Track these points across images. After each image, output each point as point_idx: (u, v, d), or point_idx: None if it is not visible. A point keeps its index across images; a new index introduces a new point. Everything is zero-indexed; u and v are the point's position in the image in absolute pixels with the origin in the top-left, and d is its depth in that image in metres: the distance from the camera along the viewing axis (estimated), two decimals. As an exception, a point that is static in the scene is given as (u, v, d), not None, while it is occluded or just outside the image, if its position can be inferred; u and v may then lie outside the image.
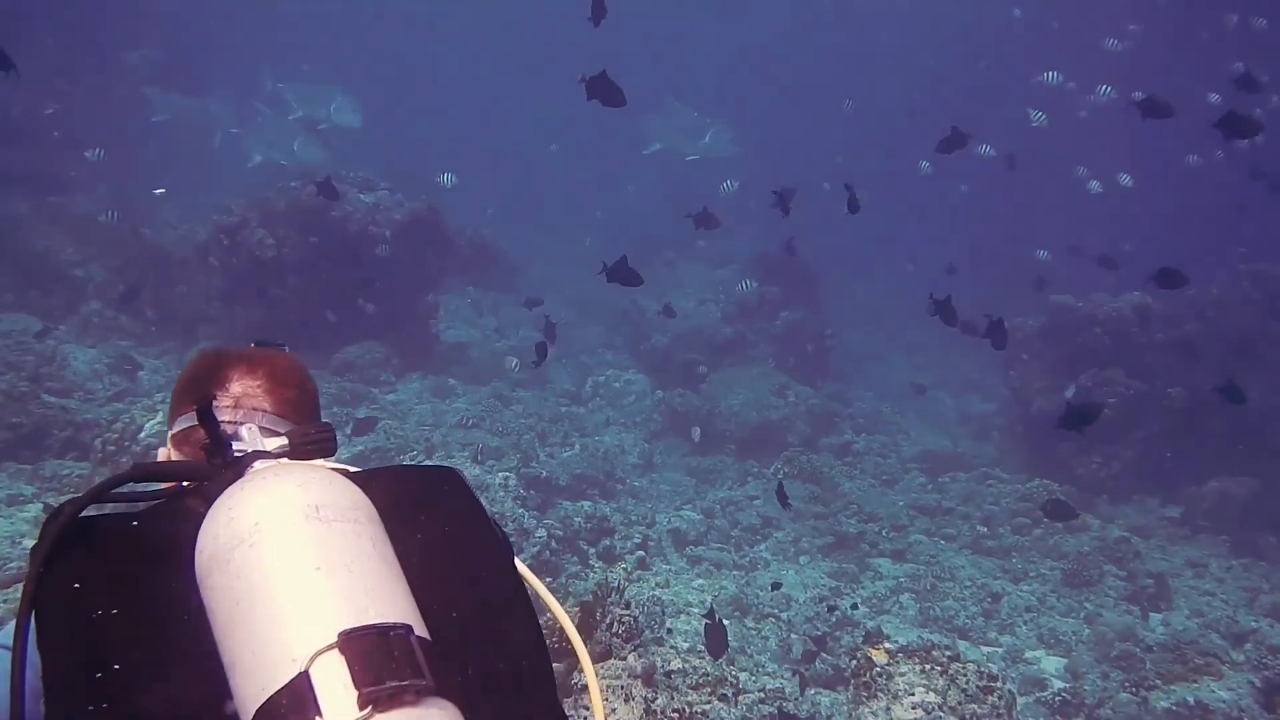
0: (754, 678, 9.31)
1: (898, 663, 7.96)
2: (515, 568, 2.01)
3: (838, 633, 11.15)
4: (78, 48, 25.12)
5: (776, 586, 12.27)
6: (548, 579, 11.08)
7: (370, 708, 1.42)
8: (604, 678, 7.23)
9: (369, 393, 16.48)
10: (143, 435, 11.30)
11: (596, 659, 7.61)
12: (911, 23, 45.10)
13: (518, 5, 51.30)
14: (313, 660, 1.45)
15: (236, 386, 2.11)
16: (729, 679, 7.83)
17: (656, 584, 11.88)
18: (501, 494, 11.72)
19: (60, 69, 23.78)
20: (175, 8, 31.63)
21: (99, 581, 1.65)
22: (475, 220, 24.49)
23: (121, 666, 1.57)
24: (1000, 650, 11.79)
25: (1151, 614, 12.87)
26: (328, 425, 2.03)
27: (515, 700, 1.83)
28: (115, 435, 11.43)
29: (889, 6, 45.59)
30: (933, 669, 7.85)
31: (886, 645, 8.33)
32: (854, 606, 11.70)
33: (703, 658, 8.15)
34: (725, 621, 11.01)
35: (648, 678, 7.24)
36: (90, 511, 1.71)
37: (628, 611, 7.90)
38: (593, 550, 12.37)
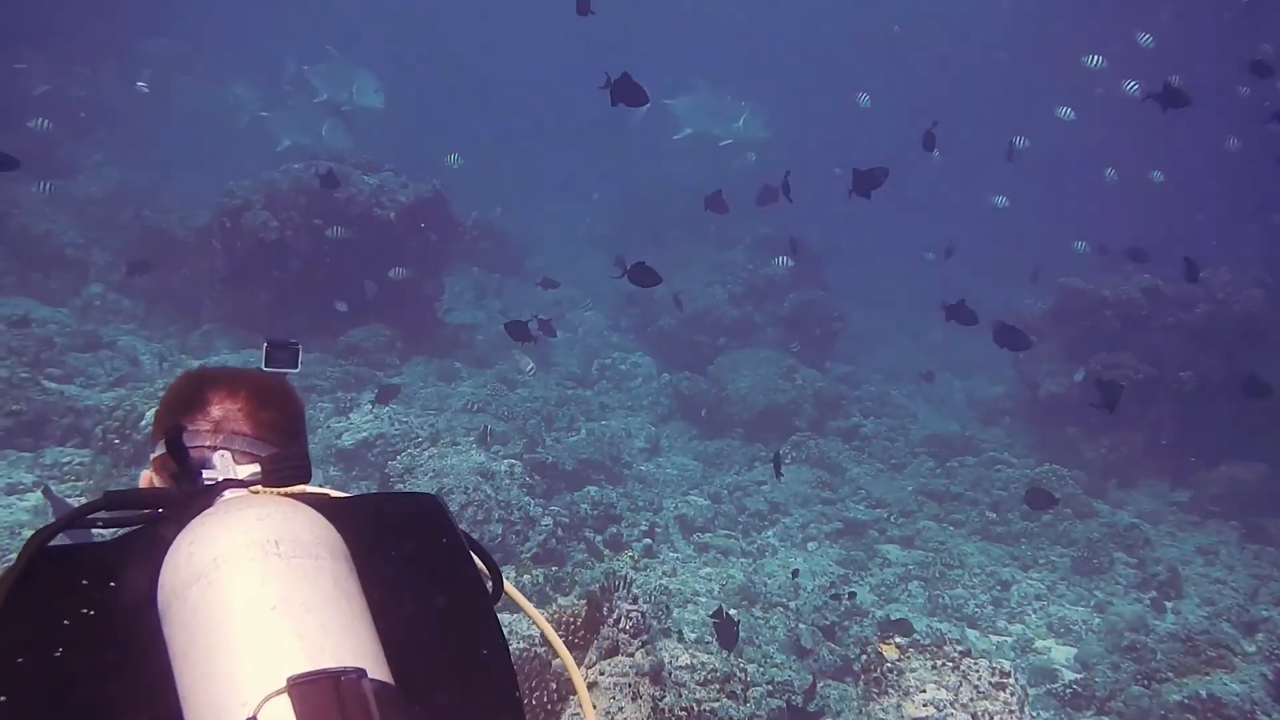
0: (762, 669, 9.24)
1: (909, 658, 7.86)
2: (490, 604, 1.98)
3: (846, 622, 11.06)
4: (99, 33, 25.02)
5: (796, 574, 12.19)
6: (553, 567, 11.00)
7: None
8: (611, 675, 7.13)
9: (373, 376, 16.37)
10: (144, 423, 11.18)
11: (604, 655, 7.51)
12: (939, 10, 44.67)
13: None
14: (261, 705, 1.43)
15: (216, 409, 2.06)
16: (738, 674, 7.73)
17: (664, 573, 11.83)
18: (507, 481, 11.61)
19: (81, 55, 23.65)
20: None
21: (61, 615, 1.63)
22: (483, 203, 24.35)
23: (79, 703, 1.57)
24: (1010, 640, 11.70)
25: (1161, 602, 12.75)
26: (302, 451, 2.04)
27: None
28: (116, 423, 11.32)
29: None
30: (944, 665, 7.75)
31: (897, 640, 8.22)
32: (850, 595, 11.60)
33: (711, 653, 8.06)
34: (733, 611, 10.97)
35: (655, 676, 7.14)
36: (64, 538, 1.72)
37: (635, 607, 7.78)
38: (599, 538, 12.28)
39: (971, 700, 7.46)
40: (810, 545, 13.83)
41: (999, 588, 12.85)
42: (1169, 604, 12.76)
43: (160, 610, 1.61)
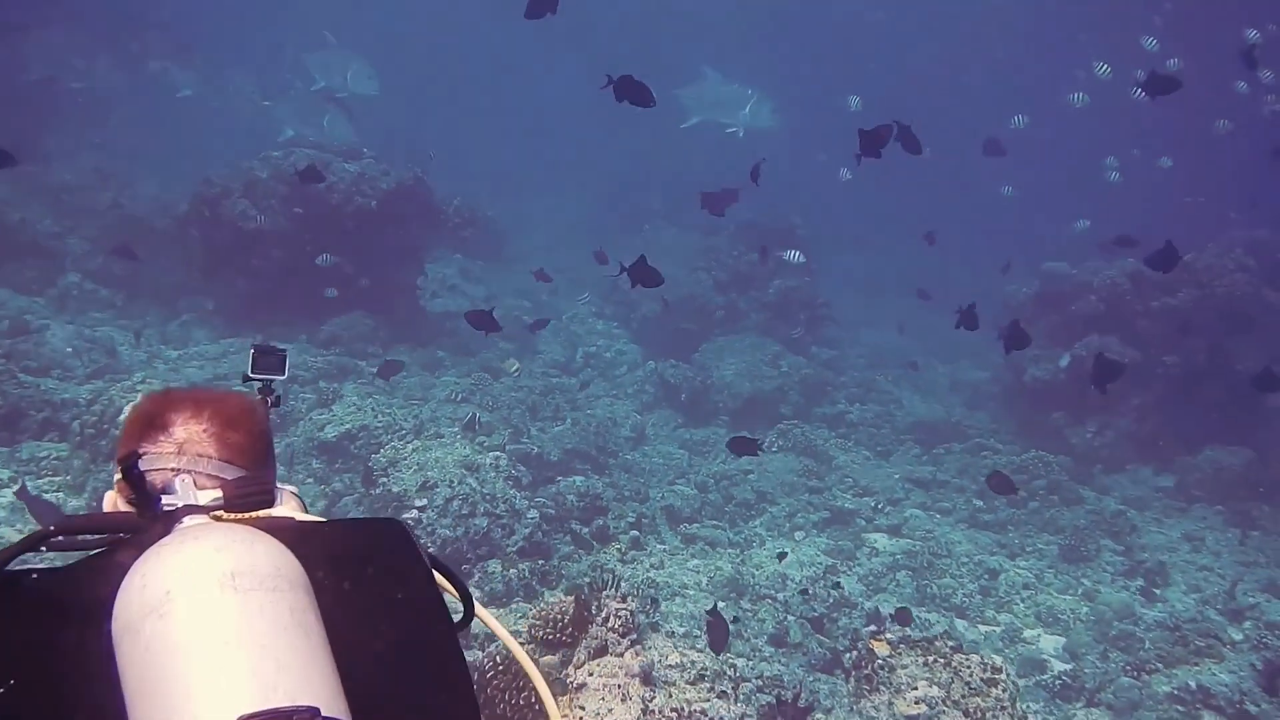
0: (751, 663, 9.17)
1: (900, 655, 7.79)
2: (454, 635, 1.93)
3: (835, 614, 10.99)
4: (94, 24, 24.76)
5: (782, 557, 12.13)
6: (540, 561, 10.90)
7: None
8: (600, 676, 7.03)
9: (356, 366, 16.21)
10: (122, 418, 11.00)
11: (593, 655, 7.42)
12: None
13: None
14: None
15: (180, 431, 2.01)
16: (727, 672, 7.65)
17: (651, 565, 11.76)
18: (492, 474, 11.49)
19: (77, 47, 23.38)
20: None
21: (11, 647, 1.62)
22: (466, 189, 24.17)
23: None
24: (998, 630, 11.65)
25: (1150, 590, 12.74)
26: (265, 477, 2.01)
27: None
28: (94, 418, 11.18)
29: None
30: (935, 661, 7.69)
31: (888, 637, 8.15)
32: (836, 585, 11.54)
33: (700, 650, 7.98)
34: (723, 604, 10.89)
35: (645, 676, 7.05)
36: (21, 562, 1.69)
37: (624, 605, 7.69)
38: (586, 530, 12.16)
39: (964, 697, 7.40)
40: (798, 535, 13.76)
41: (987, 577, 12.81)
42: (1157, 591, 12.73)
43: (114, 642, 1.57)
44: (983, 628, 11.71)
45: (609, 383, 19.15)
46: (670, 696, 6.97)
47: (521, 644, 7.90)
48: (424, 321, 19.00)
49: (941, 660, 7.67)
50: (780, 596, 11.21)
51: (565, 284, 23.13)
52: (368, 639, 1.77)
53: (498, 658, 7.56)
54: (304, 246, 16.85)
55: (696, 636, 9.96)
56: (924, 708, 7.36)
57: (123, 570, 1.64)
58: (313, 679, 1.54)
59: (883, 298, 27.72)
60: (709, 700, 7.09)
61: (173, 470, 1.95)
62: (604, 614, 7.63)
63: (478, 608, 2.24)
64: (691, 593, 11.15)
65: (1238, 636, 11.21)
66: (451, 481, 10.99)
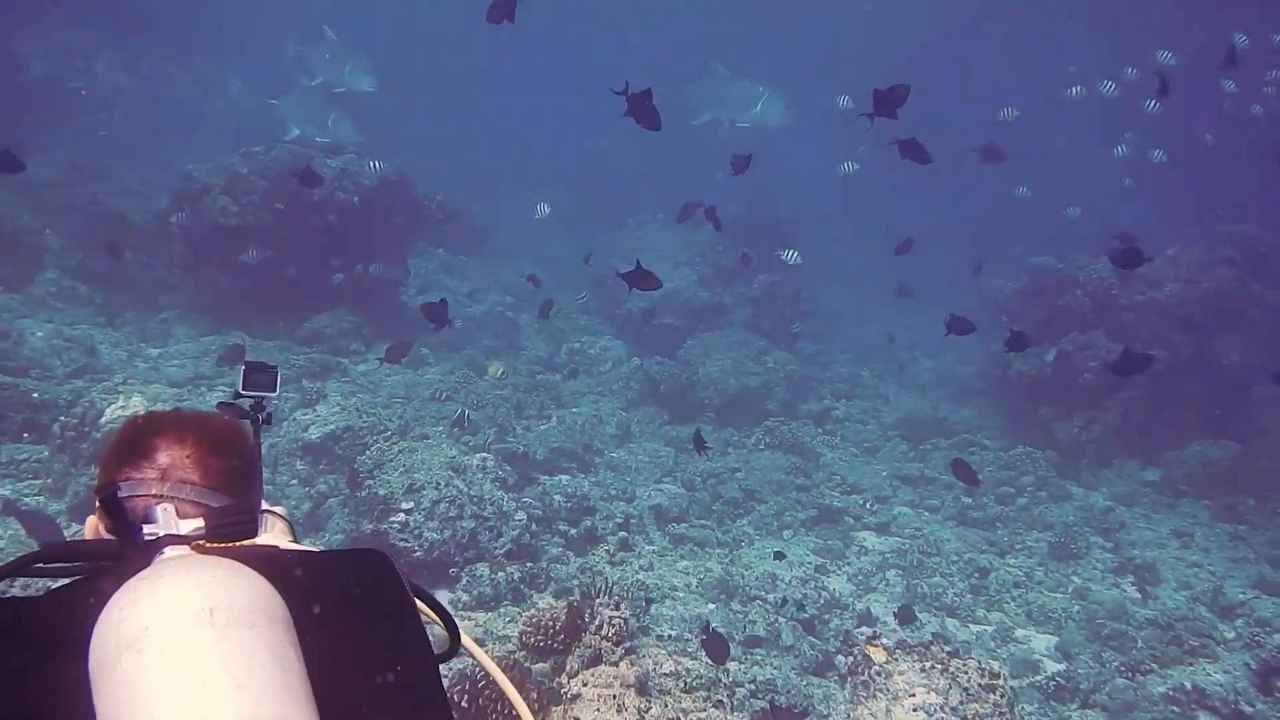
0: (744, 668, 9.07)
1: (896, 660, 7.70)
2: (435, 668, 1.93)
3: (826, 615, 10.91)
4: (94, 23, 24.54)
5: (779, 557, 12.05)
6: (528, 563, 10.77)
7: None
8: (594, 686, 6.92)
9: (338, 364, 16.07)
10: (103, 420, 10.86)
11: (586, 664, 7.30)
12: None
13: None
14: None
15: (164, 457, 1.98)
16: (722, 680, 7.55)
17: (640, 567, 11.67)
18: (479, 476, 11.35)
19: (76, 45, 23.15)
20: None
21: None
22: (449, 183, 24.03)
23: None
24: (990, 629, 11.58)
25: (1141, 588, 12.69)
26: (248, 505, 1.98)
27: None
28: (75, 420, 10.98)
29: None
30: (933, 667, 7.60)
31: (884, 642, 8.06)
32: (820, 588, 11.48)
33: (695, 657, 7.87)
34: (712, 605, 10.80)
35: (640, 686, 6.94)
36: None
37: (617, 613, 7.58)
38: (574, 531, 12.04)
39: (961, 703, 7.32)
40: (786, 534, 13.67)
41: (977, 575, 12.74)
42: (1148, 589, 12.68)
43: (91, 675, 1.54)
44: (974, 627, 11.64)
45: (594, 379, 19.02)
46: (666, 707, 6.87)
47: (512, 650, 7.82)
48: (407, 317, 18.83)
49: (939, 666, 7.59)
50: (770, 597, 11.12)
51: (550, 279, 22.99)
52: (348, 675, 1.74)
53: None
54: (286, 242, 16.67)
55: (688, 640, 9.86)
56: (922, 715, 7.27)
57: (103, 599, 1.61)
58: (289, 717, 1.51)
59: (869, 291, 27.67)
60: (705, 710, 6.99)
61: (155, 497, 1.91)
62: (597, 621, 7.53)
63: (464, 638, 2.24)
64: (681, 595, 11.06)
65: (1230, 634, 11.17)
66: (438, 483, 10.85)
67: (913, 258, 16.72)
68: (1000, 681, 7.56)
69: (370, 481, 11.04)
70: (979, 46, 42.13)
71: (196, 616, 1.54)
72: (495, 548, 10.78)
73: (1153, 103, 13.06)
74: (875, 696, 7.55)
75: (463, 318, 20.31)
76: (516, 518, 11.16)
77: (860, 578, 12.49)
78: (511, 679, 7.40)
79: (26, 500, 10.44)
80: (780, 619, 10.56)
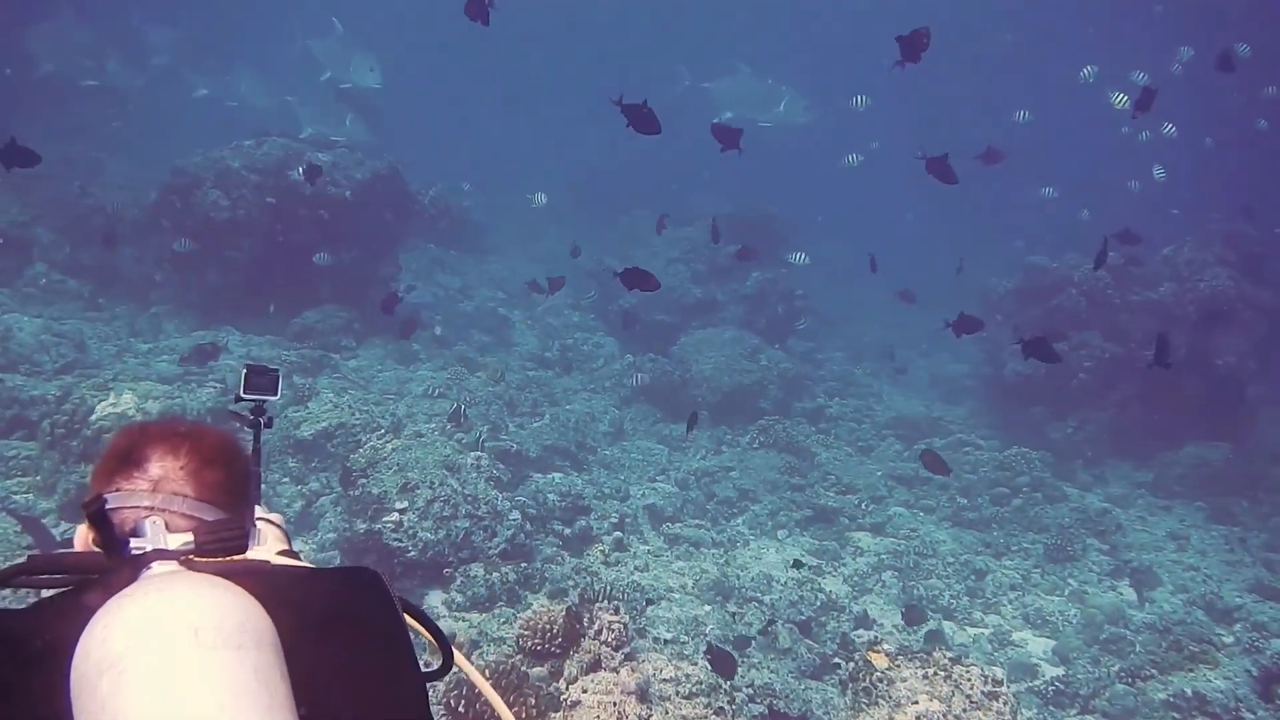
0: (741, 671, 8.98)
1: (899, 667, 7.61)
2: (425, 694, 1.85)
3: (822, 618, 10.83)
4: (106, 22, 24.48)
5: (799, 565, 11.97)
6: (522, 564, 10.66)
7: None
8: (594, 693, 6.82)
9: (330, 359, 15.91)
10: (94, 418, 10.70)
11: (585, 670, 7.20)
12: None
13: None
14: None
15: (156, 468, 1.93)
16: (722, 686, 7.45)
17: (635, 567, 11.58)
18: (474, 475, 11.22)
19: (88, 45, 23.02)
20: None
21: None
22: (442, 178, 23.92)
23: None
24: (986, 632, 11.51)
25: (1137, 591, 12.63)
26: (240, 519, 1.93)
27: None
28: (65, 417, 10.81)
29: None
30: (936, 674, 7.51)
31: (885, 647, 7.97)
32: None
33: (694, 662, 7.77)
34: (708, 607, 10.72)
35: (641, 693, 6.83)
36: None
37: (616, 618, 7.47)
38: (568, 530, 11.93)
39: (965, 711, 7.22)
40: (780, 534, 13.59)
41: (973, 577, 12.67)
42: (1145, 592, 12.62)
43: (73, 694, 1.49)
44: (971, 630, 11.57)
45: (586, 376, 18.92)
46: (667, 714, 6.76)
47: (509, 654, 7.71)
48: (399, 313, 18.70)
49: (941, 673, 7.50)
50: (766, 599, 11.04)
51: (543, 275, 22.90)
52: (336, 697, 1.69)
53: (486, 673, 7.34)
54: (276, 237, 16.53)
55: (685, 643, 9.78)
56: (925, 723, 7.18)
57: (88, 613, 1.57)
58: None
59: (862, 288, 27.62)
60: (707, 718, 6.89)
61: (146, 509, 1.86)
62: (596, 626, 7.42)
63: (457, 656, 2.22)
64: (677, 596, 10.97)
65: (1229, 639, 11.12)
66: (433, 482, 10.72)
67: (908, 255, 16.69)
68: (1003, 689, 7.47)
69: (364, 480, 10.91)
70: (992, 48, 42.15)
71: (180, 636, 1.49)
72: (490, 548, 10.66)
73: (1135, 116, 12.95)
74: (877, 703, 7.45)
75: (455, 314, 20.20)
76: (511, 517, 11.05)
77: (856, 579, 12.41)
78: (509, 684, 7.34)
79: (15, 498, 10.31)
80: (777, 621, 10.49)
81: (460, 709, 7.13)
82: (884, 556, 13.04)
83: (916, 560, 12.89)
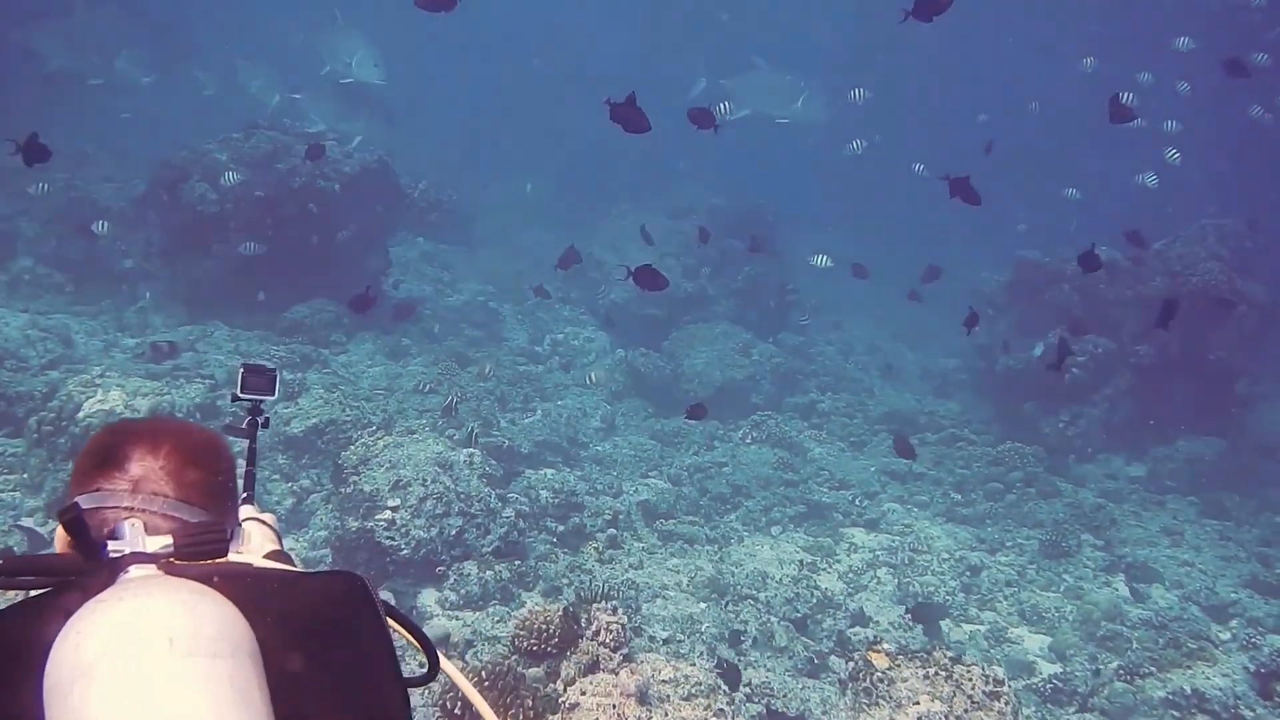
0: (732, 658, 8.92)
1: (899, 667, 7.54)
2: (406, 702, 1.83)
3: (818, 615, 10.77)
4: (115, 21, 24.35)
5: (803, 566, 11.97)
6: (516, 562, 10.57)
7: None
8: (593, 695, 6.73)
9: (319, 355, 15.77)
10: (81, 415, 10.58)
11: (584, 671, 7.11)
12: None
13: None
14: None
15: (136, 468, 1.89)
16: (721, 688, 7.37)
17: (630, 565, 11.50)
18: (466, 472, 11.10)
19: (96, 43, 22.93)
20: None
21: None
22: (431, 170, 23.78)
23: None
24: (983, 629, 11.45)
25: (1133, 588, 12.59)
26: (217, 524, 1.86)
27: None
28: (52, 414, 10.68)
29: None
30: (937, 674, 7.44)
31: (885, 647, 7.90)
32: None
33: (692, 663, 7.69)
34: (704, 604, 10.65)
35: (640, 695, 6.75)
36: None
37: (614, 619, 7.38)
38: (562, 528, 11.85)
39: (966, 711, 7.16)
40: (774, 530, 13.51)
41: (969, 573, 12.61)
42: (1141, 588, 12.58)
43: (45, 701, 1.45)
44: (967, 627, 11.50)
45: (578, 371, 18.81)
46: (667, 716, 6.68)
47: (505, 658, 7.62)
48: (388, 308, 18.56)
49: (943, 672, 7.43)
50: (762, 596, 10.97)
51: (534, 268, 22.82)
52: (317, 705, 1.66)
53: (482, 673, 7.25)
54: (265, 231, 16.38)
55: (681, 642, 9.71)
56: (927, 724, 7.11)
57: (65, 615, 1.53)
58: None
59: (853, 280, 27.57)
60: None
61: (126, 509, 1.84)
62: (594, 627, 7.33)
63: (443, 662, 2.19)
64: (673, 594, 10.89)
65: (1225, 636, 11.10)
66: (425, 480, 10.61)
67: (899, 249, 16.64)
68: (1005, 689, 7.40)
69: (355, 477, 10.79)
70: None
71: (154, 645, 1.45)
72: (483, 545, 10.56)
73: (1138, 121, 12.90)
74: (878, 704, 7.38)
75: (445, 308, 20.08)
76: (504, 515, 10.94)
77: (851, 575, 12.35)
78: (505, 685, 7.24)
79: (1, 496, 10.19)
80: (772, 618, 10.42)
81: (456, 711, 7.04)
82: (879, 553, 12.99)
83: (911, 556, 12.83)
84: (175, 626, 1.48)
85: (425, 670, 2.21)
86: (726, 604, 10.74)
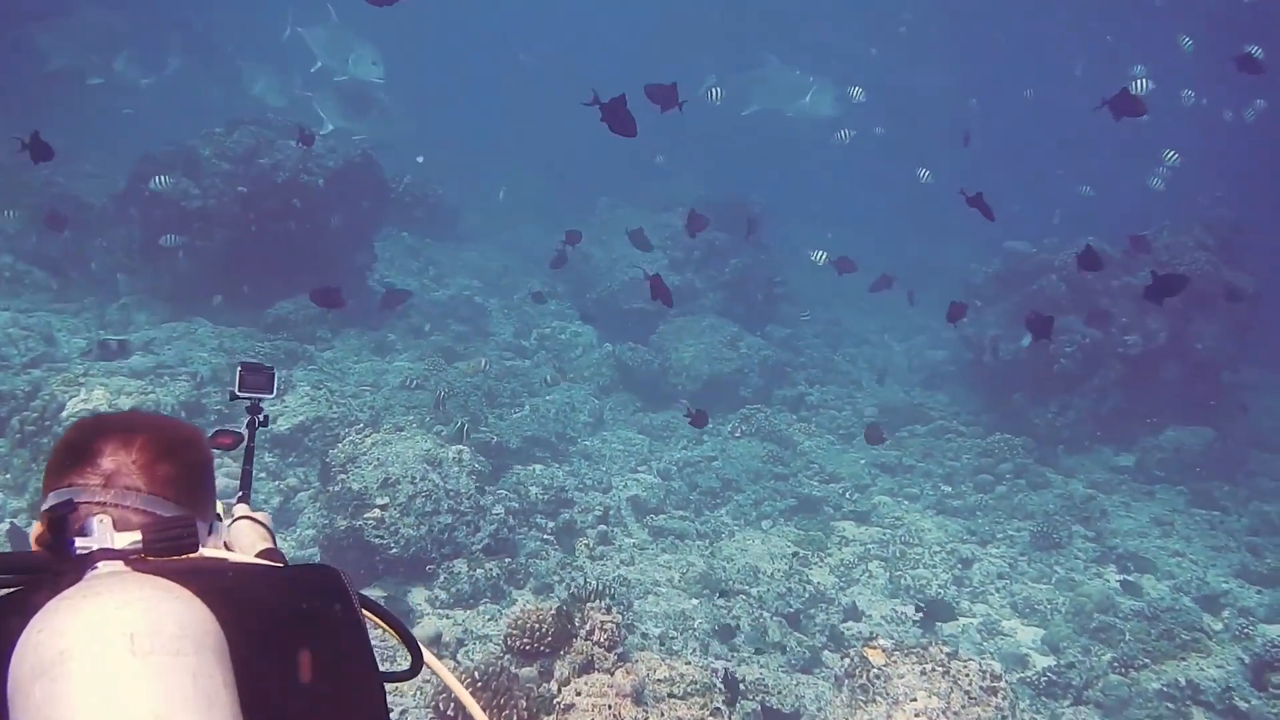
0: (731, 666, 8.84)
1: (896, 663, 7.48)
2: (382, 697, 1.83)
3: (811, 610, 10.71)
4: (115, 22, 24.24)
5: (796, 556, 11.91)
6: (506, 559, 10.48)
7: None
8: (588, 695, 6.65)
9: (305, 351, 15.64)
10: (65, 415, 10.45)
11: (578, 671, 7.03)
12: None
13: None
14: None
15: (108, 462, 1.86)
16: (718, 686, 7.30)
17: (621, 561, 11.43)
18: (455, 469, 11.01)
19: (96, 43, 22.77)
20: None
21: None
22: (411, 165, 23.64)
23: None
24: (975, 621, 11.41)
25: (1124, 579, 12.56)
26: (188, 519, 1.80)
27: None
28: (35, 414, 10.57)
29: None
30: (933, 670, 7.38)
31: (881, 643, 7.84)
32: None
33: (688, 662, 7.61)
34: (695, 600, 10.59)
35: (636, 696, 6.67)
36: None
37: (609, 618, 7.31)
38: (552, 524, 11.77)
39: (964, 707, 7.10)
40: (765, 524, 13.45)
41: (960, 566, 12.57)
42: (1130, 577, 12.56)
43: (9, 697, 1.45)
44: (960, 620, 11.45)
45: (565, 365, 18.70)
46: (663, 716, 6.60)
47: (498, 658, 7.53)
48: (374, 303, 18.43)
49: (939, 668, 7.37)
50: (754, 591, 10.91)
51: (520, 264, 22.75)
52: (289, 701, 1.65)
53: (475, 674, 7.17)
54: (249, 226, 16.24)
55: (674, 638, 9.64)
56: (924, 720, 7.05)
57: (33, 612, 1.52)
58: None
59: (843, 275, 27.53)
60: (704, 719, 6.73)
61: (98, 505, 1.80)
62: (588, 626, 7.25)
63: (427, 656, 2.19)
64: (664, 590, 10.82)
65: (1217, 626, 11.08)
66: (414, 477, 10.52)
67: (889, 241, 16.61)
68: (1001, 684, 7.35)
69: (343, 476, 10.69)
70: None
71: (117, 642, 1.44)
72: (473, 543, 10.48)
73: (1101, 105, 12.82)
74: (875, 701, 7.32)
75: (430, 303, 19.95)
76: (494, 512, 10.87)
77: (842, 569, 12.29)
78: (498, 685, 7.16)
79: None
80: (765, 614, 10.36)
81: (448, 713, 6.96)
82: (870, 546, 12.95)
83: (903, 549, 12.79)
84: (136, 624, 1.47)
85: (410, 665, 2.21)
86: (718, 600, 10.68)
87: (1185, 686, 9.42)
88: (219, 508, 2.12)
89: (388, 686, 1.91)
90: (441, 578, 10.00)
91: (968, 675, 7.32)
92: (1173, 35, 17.91)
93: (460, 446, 11.61)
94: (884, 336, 24.66)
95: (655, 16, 47.88)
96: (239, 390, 3.17)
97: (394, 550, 9.96)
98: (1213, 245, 19.04)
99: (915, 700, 7.16)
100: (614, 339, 19.52)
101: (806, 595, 10.91)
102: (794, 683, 8.95)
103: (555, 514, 11.98)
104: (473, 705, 2.27)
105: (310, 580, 1.88)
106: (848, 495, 14.37)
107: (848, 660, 8.09)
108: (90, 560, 1.69)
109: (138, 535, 1.75)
